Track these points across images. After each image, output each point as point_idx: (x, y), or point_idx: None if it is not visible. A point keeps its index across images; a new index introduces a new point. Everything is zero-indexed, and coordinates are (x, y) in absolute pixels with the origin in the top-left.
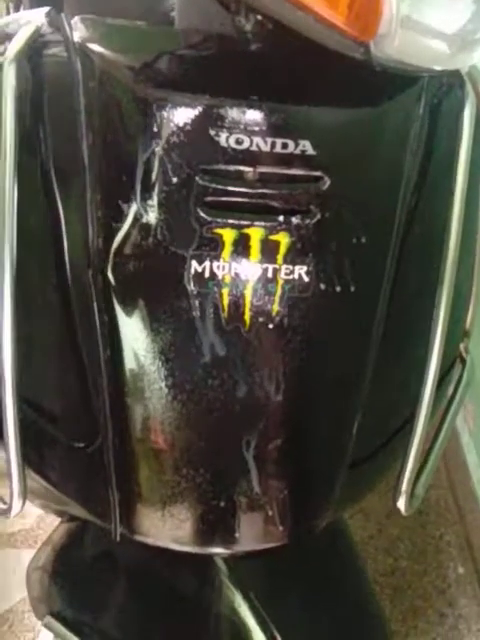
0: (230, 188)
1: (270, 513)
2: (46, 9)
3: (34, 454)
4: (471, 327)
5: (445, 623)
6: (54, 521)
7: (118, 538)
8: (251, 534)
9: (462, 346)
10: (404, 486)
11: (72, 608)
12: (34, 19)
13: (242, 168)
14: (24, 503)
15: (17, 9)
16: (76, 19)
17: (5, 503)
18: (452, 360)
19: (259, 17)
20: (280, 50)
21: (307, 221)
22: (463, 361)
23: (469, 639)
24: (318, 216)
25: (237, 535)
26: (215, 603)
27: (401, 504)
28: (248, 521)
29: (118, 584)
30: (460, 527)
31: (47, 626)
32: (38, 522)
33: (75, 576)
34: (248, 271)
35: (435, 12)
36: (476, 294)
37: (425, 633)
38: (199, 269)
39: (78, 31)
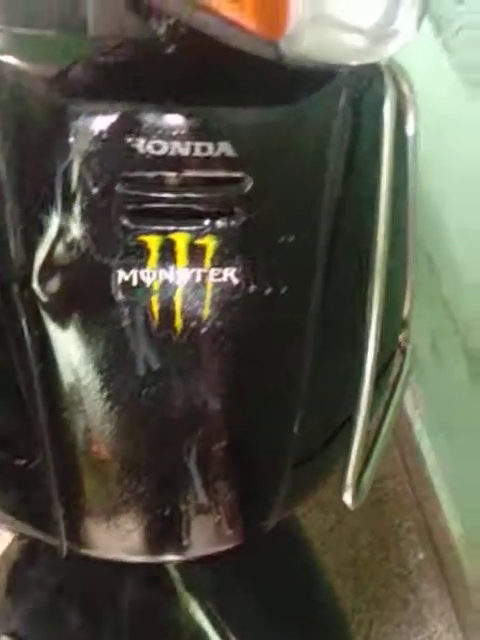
0: (152, 194)
1: (217, 517)
2: None
3: None
4: (409, 317)
5: (408, 609)
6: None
7: (65, 553)
8: (201, 539)
9: (401, 336)
10: (349, 479)
11: (28, 627)
12: None
13: (162, 174)
14: None
15: None
16: None
17: None
18: (392, 351)
19: (171, 21)
20: (194, 53)
21: (232, 223)
22: (403, 351)
23: (433, 623)
24: (243, 217)
25: (186, 542)
26: (172, 612)
27: (347, 497)
28: (196, 527)
29: (73, 600)
30: (418, 513)
31: None
32: None
33: (30, 593)
34: (176, 277)
35: (348, 7)
36: (412, 283)
37: (389, 620)
38: (126, 278)
39: None
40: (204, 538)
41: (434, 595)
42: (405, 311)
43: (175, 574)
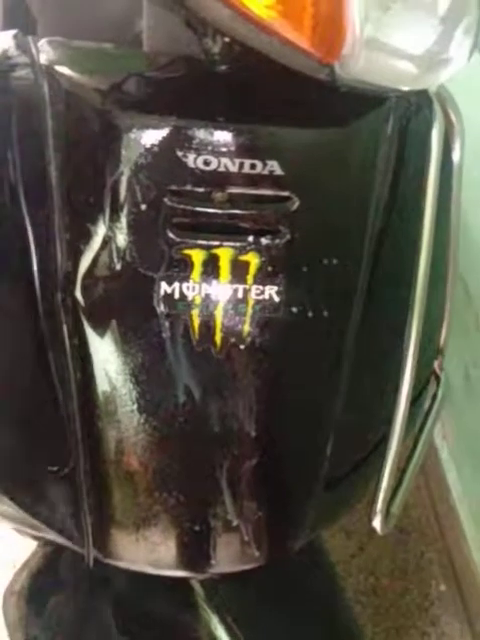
0: (199, 209)
1: (245, 536)
2: (13, 31)
3: (5, 478)
4: (445, 345)
5: None
6: None
7: (91, 563)
8: (227, 557)
9: (436, 364)
10: (379, 505)
11: (48, 634)
12: (1, 42)
13: (210, 189)
14: None
15: None
16: (43, 41)
17: None
18: (426, 378)
19: (226, 40)
20: (247, 72)
21: (277, 241)
22: (437, 379)
23: None
24: (288, 236)
25: (212, 558)
26: (192, 626)
27: (377, 523)
28: (223, 544)
29: (95, 609)
30: (441, 545)
31: None
32: None
33: (51, 601)
34: (218, 292)
35: (401, 33)
36: (449, 312)
37: None
38: (169, 290)
39: (45, 53)
40: (230, 556)
41: (454, 629)
42: (442, 339)
43: (199, 589)
